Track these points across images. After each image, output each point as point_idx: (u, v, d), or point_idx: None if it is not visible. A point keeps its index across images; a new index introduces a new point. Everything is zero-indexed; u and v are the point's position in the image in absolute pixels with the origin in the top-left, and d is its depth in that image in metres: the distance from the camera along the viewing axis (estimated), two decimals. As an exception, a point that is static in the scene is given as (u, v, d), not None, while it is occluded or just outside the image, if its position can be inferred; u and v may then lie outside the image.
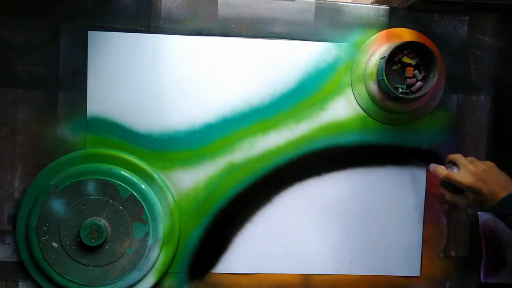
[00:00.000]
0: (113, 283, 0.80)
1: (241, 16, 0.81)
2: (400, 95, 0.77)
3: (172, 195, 0.82)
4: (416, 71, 0.79)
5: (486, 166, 0.74)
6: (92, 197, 0.79)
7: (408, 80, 0.79)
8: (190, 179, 0.83)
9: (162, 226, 0.81)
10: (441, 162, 0.86)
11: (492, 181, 0.72)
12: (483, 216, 0.87)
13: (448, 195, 0.79)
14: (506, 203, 0.70)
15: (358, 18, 0.83)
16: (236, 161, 0.83)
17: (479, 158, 0.86)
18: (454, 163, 0.77)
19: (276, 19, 0.82)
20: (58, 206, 0.78)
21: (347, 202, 0.85)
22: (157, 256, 0.81)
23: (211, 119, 0.82)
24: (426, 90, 0.77)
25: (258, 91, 0.82)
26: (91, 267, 0.79)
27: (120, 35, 0.80)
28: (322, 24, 0.83)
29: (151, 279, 0.82)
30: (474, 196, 0.73)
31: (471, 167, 0.74)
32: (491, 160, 0.76)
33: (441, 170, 0.77)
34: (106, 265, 0.79)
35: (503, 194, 0.71)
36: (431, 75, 0.78)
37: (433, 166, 0.78)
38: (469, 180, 0.73)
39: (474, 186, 0.72)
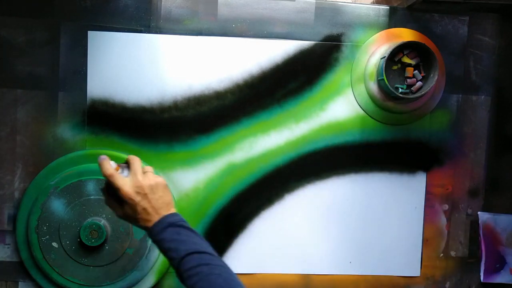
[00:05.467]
0: (113, 283, 0.80)
1: (241, 16, 0.81)
2: (400, 95, 0.77)
3: (172, 195, 0.82)
4: (416, 71, 0.79)
5: (154, 182, 0.63)
6: (92, 197, 0.79)
7: (408, 80, 0.79)
8: (190, 179, 0.83)
9: (162, 226, 0.80)
10: (441, 162, 0.86)
11: (153, 199, 0.63)
12: (483, 216, 0.87)
13: (106, 198, 0.65)
14: (157, 227, 0.62)
15: (358, 18, 0.83)
16: (236, 161, 0.83)
17: (479, 158, 0.86)
18: (128, 166, 0.65)
19: (276, 19, 0.82)
20: (58, 206, 0.78)
21: (347, 202, 0.85)
22: (157, 256, 0.81)
23: (211, 119, 0.82)
24: (426, 90, 0.77)
25: (258, 90, 0.82)
26: (91, 267, 0.79)
27: (120, 35, 0.80)
28: (322, 24, 0.83)
29: (151, 279, 0.82)
30: (130, 211, 0.63)
31: (139, 177, 0.63)
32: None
33: (108, 166, 0.63)
34: (106, 265, 0.79)
35: (157, 217, 0.62)
36: (431, 75, 0.78)
37: (102, 158, 0.63)
38: (129, 190, 0.62)
39: (131, 198, 0.62)
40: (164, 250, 0.61)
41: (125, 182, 0.63)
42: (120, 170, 0.64)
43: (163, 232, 0.62)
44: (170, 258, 0.61)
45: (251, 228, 0.84)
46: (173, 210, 0.65)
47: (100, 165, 0.63)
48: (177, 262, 0.60)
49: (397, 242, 0.86)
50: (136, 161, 0.65)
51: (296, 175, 0.84)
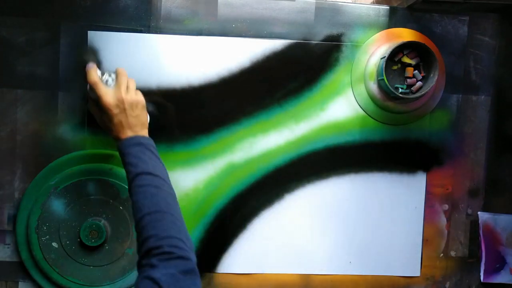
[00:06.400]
0: (113, 283, 0.80)
1: (241, 16, 0.81)
2: (400, 95, 0.77)
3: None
4: (416, 71, 0.79)
5: (135, 100, 0.68)
6: (92, 197, 0.79)
7: (408, 80, 0.80)
8: (190, 179, 0.83)
9: (162, 226, 0.80)
10: (441, 162, 0.86)
11: (131, 116, 0.67)
12: (483, 216, 0.87)
13: (90, 103, 0.71)
14: (128, 142, 0.67)
15: (358, 18, 0.83)
16: (236, 161, 0.83)
17: (479, 158, 0.86)
18: (115, 75, 0.70)
19: (276, 19, 0.82)
20: (58, 206, 0.78)
21: (347, 202, 0.85)
22: (157, 256, 0.81)
23: (211, 119, 0.82)
24: (426, 90, 0.77)
25: (258, 91, 0.82)
26: (91, 267, 0.79)
27: (120, 35, 0.80)
28: (322, 24, 0.83)
29: (151, 279, 0.82)
30: (105, 119, 0.68)
31: (122, 92, 0.67)
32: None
33: (94, 74, 0.68)
34: (106, 265, 0.79)
35: (130, 133, 0.67)
36: (431, 75, 0.78)
37: (90, 66, 0.69)
38: (110, 101, 0.66)
39: (109, 109, 0.66)
40: (125, 163, 0.66)
41: (107, 92, 0.67)
42: (105, 77, 0.69)
43: (131, 147, 0.66)
44: (128, 171, 0.65)
45: (251, 228, 0.84)
46: (146, 132, 0.69)
47: (87, 72, 0.68)
48: (132, 176, 0.64)
49: (397, 242, 0.86)
50: (123, 75, 0.69)
51: (296, 175, 0.84)
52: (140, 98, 0.69)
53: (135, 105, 0.68)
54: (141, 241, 0.59)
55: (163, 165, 0.67)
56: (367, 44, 0.83)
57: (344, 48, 0.83)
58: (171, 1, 0.80)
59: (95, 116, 0.71)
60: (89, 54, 0.77)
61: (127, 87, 0.69)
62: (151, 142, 0.68)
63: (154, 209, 0.60)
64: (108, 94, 0.67)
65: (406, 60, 0.79)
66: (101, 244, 0.78)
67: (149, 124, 0.81)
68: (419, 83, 0.79)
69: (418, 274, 0.87)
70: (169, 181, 0.66)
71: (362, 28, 0.83)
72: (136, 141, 0.67)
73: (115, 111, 0.67)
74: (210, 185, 0.83)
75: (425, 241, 0.86)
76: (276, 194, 0.84)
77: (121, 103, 0.67)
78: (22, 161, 0.80)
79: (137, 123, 0.68)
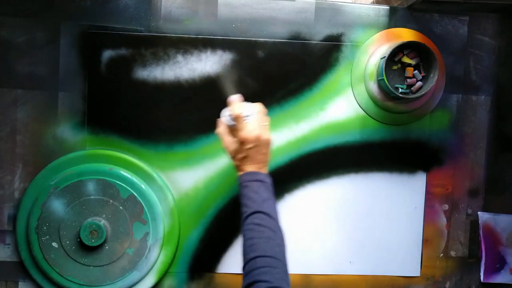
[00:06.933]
0: (113, 283, 0.80)
1: (241, 16, 0.81)
2: (400, 95, 0.77)
3: (172, 195, 0.82)
4: (416, 71, 0.79)
5: (269, 140, 0.71)
6: (92, 197, 0.79)
7: (408, 80, 0.80)
8: (190, 179, 0.83)
9: (162, 226, 0.81)
10: (441, 162, 0.86)
11: (260, 153, 0.69)
12: (483, 216, 0.87)
13: (223, 128, 0.73)
14: (250, 176, 0.69)
15: (358, 18, 0.83)
16: (236, 161, 0.83)
17: (479, 158, 0.86)
18: (252, 109, 0.72)
19: (276, 19, 0.82)
20: (58, 206, 0.78)
21: (347, 202, 0.85)
22: (157, 256, 0.81)
23: (211, 119, 0.82)
24: (426, 90, 0.77)
25: (258, 91, 0.82)
26: (91, 267, 0.79)
27: (120, 35, 0.80)
28: (322, 24, 0.83)
29: (151, 279, 0.82)
30: (237, 150, 0.70)
31: (260, 128, 0.69)
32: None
33: (238, 107, 0.71)
34: (106, 265, 0.79)
35: (254, 168, 0.69)
36: (431, 75, 0.78)
37: (236, 98, 0.73)
38: (249, 137, 0.68)
39: (246, 143, 0.68)
40: (244, 196, 0.67)
41: (248, 127, 0.69)
42: (245, 110, 0.70)
43: (252, 182, 0.68)
44: (245, 204, 0.67)
45: (251, 228, 0.84)
46: (266, 170, 0.71)
47: (231, 103, 0.72)
48: (250, 212, 0.65)
49: (397, 242, 0.86)
50: (261, 111, 0.72)
51: (296, 175, 0.84)
52: (271, 137, 0.71)
53: (267, 144, 0.71)
54: (251, 282, 0.59)
55: (276, 205, 0.68)
56: (367, 44, 0.83)
57: (344, 48, 0.83)
58: (171, 1, 0.80)
59: (223, 139, 0.72)
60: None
61: (264, 124, 0.71)
62: (270, 181, 0.70)
63: (269, 254, 0.61)
64: (248, 129, 0.69)
65: (406, 60, 0.79)
66: (101, 244, 0.78)
67: (151, 128, 0.81)
68: (419, 83, 0.79)
69: (418, 274, 0.87)
70: (280, 223, 0.67)
71: (362, 28, 0.83)
72: (258, 177, 0.69)
73: (249, 145, 0.69)
74: (210, 185, 0.83)
75: (425, 241, 0.86)
76: (276, 194, 0.84)
77: (258, 140, 0.69)
78: (22, 161, 0.80)
79: (262, 161, 0.70)
